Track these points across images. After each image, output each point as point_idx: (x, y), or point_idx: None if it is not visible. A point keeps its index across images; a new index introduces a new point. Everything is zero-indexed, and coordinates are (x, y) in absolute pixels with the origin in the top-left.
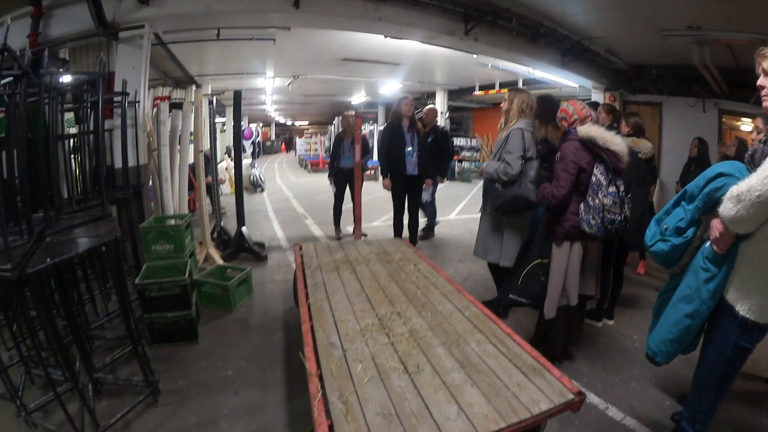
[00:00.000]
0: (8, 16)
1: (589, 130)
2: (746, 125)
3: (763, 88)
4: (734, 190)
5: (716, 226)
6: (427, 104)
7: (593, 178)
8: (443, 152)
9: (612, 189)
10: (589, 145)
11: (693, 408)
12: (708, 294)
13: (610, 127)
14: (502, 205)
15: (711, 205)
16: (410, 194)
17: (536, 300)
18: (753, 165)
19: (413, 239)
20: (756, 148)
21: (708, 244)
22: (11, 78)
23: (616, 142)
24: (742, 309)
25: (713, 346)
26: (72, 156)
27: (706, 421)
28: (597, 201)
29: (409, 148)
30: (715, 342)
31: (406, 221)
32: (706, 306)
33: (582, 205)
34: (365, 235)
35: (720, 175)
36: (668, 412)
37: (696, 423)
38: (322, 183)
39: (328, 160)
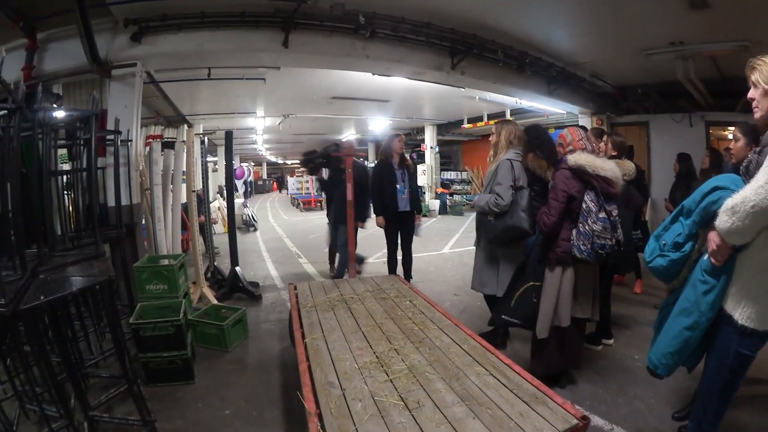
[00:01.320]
0: (3, 48)
1: (578, 158)
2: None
3: (752, 99)
4: (729, 202)
5: (713, 239)
6: (417, 139)
7: (584, 205)
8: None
9: (602, 215)
10: (580, 173)
11: (698, 418)
12: (707, 306)
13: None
14: (495, 237)
15: (708, 219)
16: (402, 231)
17: (528, 321)
18: (748, 176)
19: (407, 275)
20: (750, 159)
21: (706, 257)
22: (5, 112)
23: (607, 168)
24: (741, 317)
25: (715, 355)
26: (65, 193)
27: (712, 430)
28: (587, 227)
29: (400, 185)
30: (716, 351)
31: (399, 257)
32: (706, 318)
33: (574, 232)
34: (359, 273)
35: (716, 188)
36: (674, 427)
37: None
38: (314, 222)
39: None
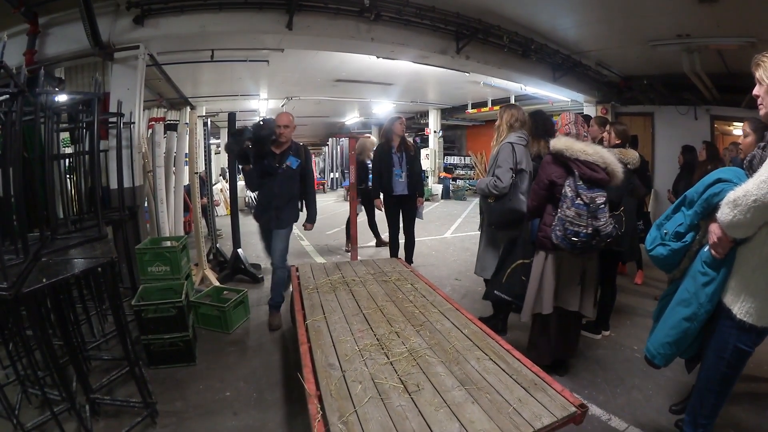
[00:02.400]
0: (5, 33)
1: (556, 142)
2: (738, 129)
3: (758, 96)
4: (731, 195)
5: (714, 231)
6: (421, 123)
7: (563, 190)
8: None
9: (578, 201)
10: (560, 157)
11: (694, 412)
12: (706, 298)
13: (602, 140)
14: (494, 219)
15: (709, 211)
16: (404, 214)
17: (518, 299)
18: (751, 170)
19: (409, 258)
20: (754, 154)
21: (706, 248)
22: (7, 96)
23: (590, 152)
24: (740, 312)
25: (713, 349)
26: (67, 176)
27: (708, 425)
28: (562, 212)
29: (397, 169)
30: (714, 345)
31: (402, 242)
32: (704, 309)
33: (556, 217)
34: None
35: (718, 180)
36: (671, 420)
37: (698, 427)
38: (317, 204)
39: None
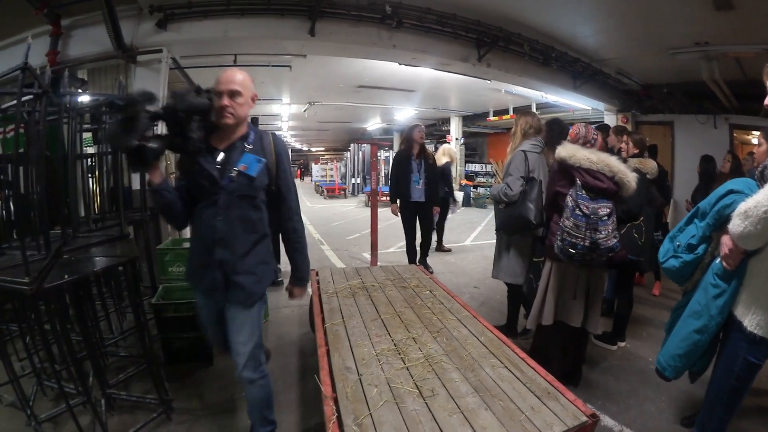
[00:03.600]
0: (29, 34)
1: (560, 150)
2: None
3: None
4: (742, 206)
5: (726, 243)
6: (442, 130)
7: (566, 200)
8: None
9: (578, 212)
10: (563, 166)
11: (703, 425)
12: (717, 310)
13: (620, 150)
14: (502, 225)
15: (721, 222)
16: (420, 221)
17: (528, 295)
18: (763, 181)
19: (423, 255)
20: (766, 165)
21: (718, 260)
22: (31, 96)
23: (594, 159)
24: (750, 324)
25: (723, 361)
26: (90, 176)
27: None
28: (562, 223)
29: (415, 176)
30: (724, 357)
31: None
32: (715, 322)
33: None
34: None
35: (730, 192)
36: None
37: None
38: (338, 209)
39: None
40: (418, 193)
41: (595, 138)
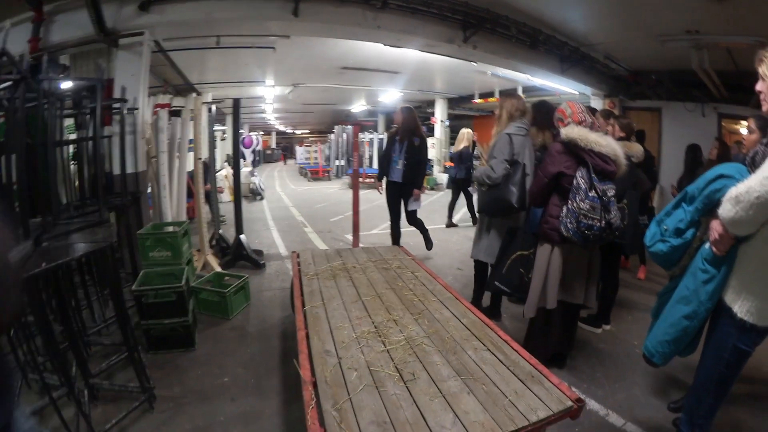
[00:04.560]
0: (8, 21)
1: (570, 131)
2: (745, 128)
3: (760, 92)
4: (733, 191)
5: (715, 228)
6: (427, 112)
7: (574, 182)
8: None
9: (592, 193)
10: (572, 147)
11: (691, 411)
12: (706, 296)
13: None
14: (484, 207)
15: (711, 207)
16: (404, 202)
17: (516, 291)
18: (754, 167)
19: (424, 232)
20: (757, 150)
21: (707, 245)
22: (10, 82)
23: (603, 143)
24: (740, 311)
25: (711, 348)
26: (71, 162)
27: (704, 425)
28: (575, 205)
29: (396, 156)
30: (713, 344)
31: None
32: (704, 308)
33: (564, 209)
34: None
35: (720, 176)
36: (669, 417)
37: (695, 427)
38: (322, 191)
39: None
40: (397, 173)
41: (601, 127)
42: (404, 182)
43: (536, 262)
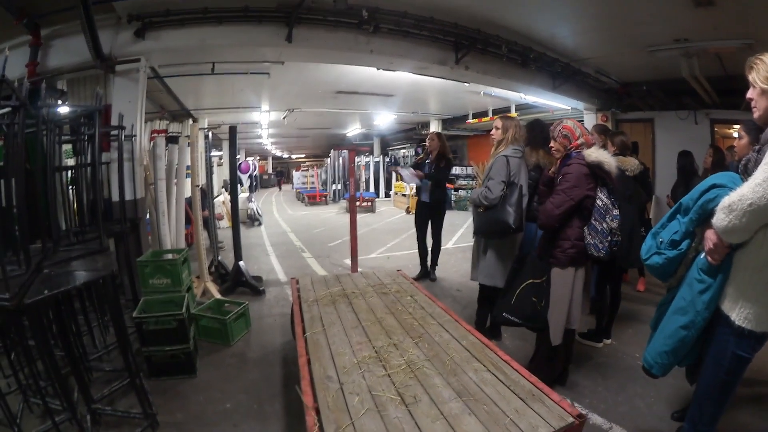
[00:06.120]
0: (6, 45)
1: (598, 154)
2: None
3: (751, 100)
4: (726, 200)
5: (710, 237)
6: (422, 134)
7: (599, 202)
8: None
9: (616, 212)
10: (595, 170)
11: (694, 420)
12: (703, 305)
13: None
14: (480, 228)
15: (705, 217)
16: (431, 221)
17: (529, 321)
18: (746, 174)
19: (433, 262)
20: (749, 158)
21: (703, 255)
22: (9, 108)
23: (613, 165)
24: (738, 318)
25: (711, 357)
26: (70, 188)
27: None
28: (605, 225)
29: (426, 179)
30: (712, 353)
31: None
32: (702, 317)
33: (587, 230)
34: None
35: (713, 186)
36: (673, 427)
37: None
38: (319, 216)
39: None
40: (426, 194)
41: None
42: (431, 202)
43: (556, 287)
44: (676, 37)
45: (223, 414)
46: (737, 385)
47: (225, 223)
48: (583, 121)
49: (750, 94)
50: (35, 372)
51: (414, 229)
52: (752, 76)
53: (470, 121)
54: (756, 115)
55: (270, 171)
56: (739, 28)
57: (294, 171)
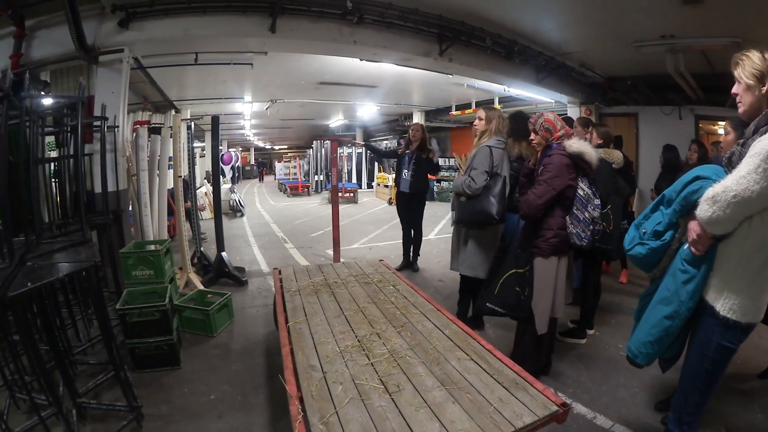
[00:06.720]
0: None
1: (579, 145)
2: (723, 129)
3: (736, 95)
4: (710, 191)
5: (694, 228)
6: (405, 125)
7: (581, 192)
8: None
9: (597, 201)
10: (576, 160)
11: (679, 410)
12: (687, 295)
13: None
14: (463, 218)
15: (688, 209)
16: (411, 212)
17: (513, 310)
18: (730, 167)
19: (416, 251)
20: (733, 151)
21: (686, 246)
22: None
23: (593, 155)
24: (723, 309)
25: (696, 347)
26: (52, 180)
27: (692, 422)
28: (587, 214)
29: (405, 168)
30: (697, 343)
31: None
32: (685, 307)
33: (569, 219)
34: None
35: (697, 178)
36: (657, 417)
37: (683, 425)
38: (301, 207)
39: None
40: (405, 184)
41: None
42: (411, 192)
43: (540, 277)
44: (662, 33)
45: (208, 405)
46: (722, 375)
47: (207, 214)
48: (565, 114)
49: (735, 89)
50: (21, 367)
51: (397, 220)
52: (738, 72)
53: (453, 112)
54: (741, 110)
55: (252, 162)
56: (726, 27)
57: (276, 162)
